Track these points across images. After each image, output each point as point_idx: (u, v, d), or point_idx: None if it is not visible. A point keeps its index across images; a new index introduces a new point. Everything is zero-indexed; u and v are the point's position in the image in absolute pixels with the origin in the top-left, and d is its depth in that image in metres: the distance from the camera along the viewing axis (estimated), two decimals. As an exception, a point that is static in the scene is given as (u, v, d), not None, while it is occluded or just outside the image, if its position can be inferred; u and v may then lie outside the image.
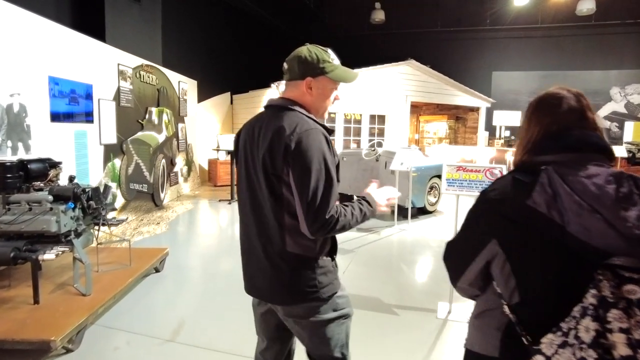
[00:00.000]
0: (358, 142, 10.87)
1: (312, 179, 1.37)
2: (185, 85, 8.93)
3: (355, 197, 6.42)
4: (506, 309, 1.04)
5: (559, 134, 1.05)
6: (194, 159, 9.76)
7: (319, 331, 1.57)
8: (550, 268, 0.95)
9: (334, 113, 10.27)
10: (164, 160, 7.69)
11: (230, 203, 7.99)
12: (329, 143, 1.45)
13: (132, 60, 6.43)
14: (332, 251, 1.59)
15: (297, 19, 14.66)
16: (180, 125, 8.66)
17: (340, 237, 1.70)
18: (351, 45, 14.36)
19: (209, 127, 11.16)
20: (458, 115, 14.09)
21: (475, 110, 13.52)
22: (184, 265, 4.56)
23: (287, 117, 1.45)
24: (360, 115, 10.79)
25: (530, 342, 0.97)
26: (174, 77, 8.30)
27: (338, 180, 1.47)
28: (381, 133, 11.32)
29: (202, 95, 10.37)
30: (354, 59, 12.96)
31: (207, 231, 6.46)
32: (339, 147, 10.30)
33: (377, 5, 13.27)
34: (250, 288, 1.64)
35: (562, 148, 1.02)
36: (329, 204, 1.38)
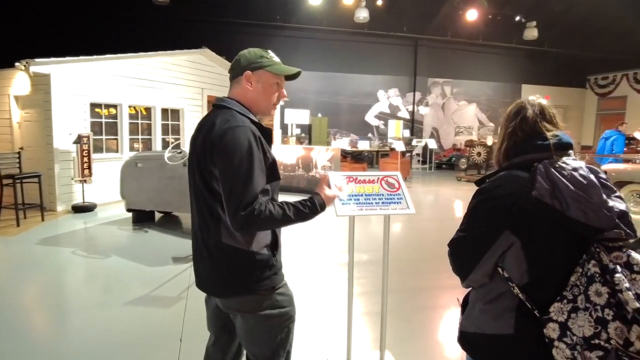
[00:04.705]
0: (147, 142, 9.03)
1: (233, 174, 1.42)
2: None
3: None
4: (516, 290, 1.19)
5: (545, 136, 1.25)
6: None
7: (256, 328, 1.58)
8: (554, 249, 1.16)
9: (116, 106, 8.19)
10: None
11: None
12: (256, 140, 1.48)
13: None
14: (273, 246, 1.59)
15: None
16: None
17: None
18: (133, 26, 12.18)
19: None
20: (253, 112, 13.69)
21: (270, 107, 13.34)
22: None
23: (221, 115, 1.53)
24: (149, 109, 8.99)
25: (540, 314, 1.14)
26: None
27: (278, 178, 1.59)
28: (177, 130, 9.77)
29: None
30: (138, 41, 10.97)
31: None
32: (125, 149, 8.33)
33: (159, -18, 11.50)
34: (197, 282, 1.66)
35: (550, 147, 1.23)
36: (247, 199, 1.40)
